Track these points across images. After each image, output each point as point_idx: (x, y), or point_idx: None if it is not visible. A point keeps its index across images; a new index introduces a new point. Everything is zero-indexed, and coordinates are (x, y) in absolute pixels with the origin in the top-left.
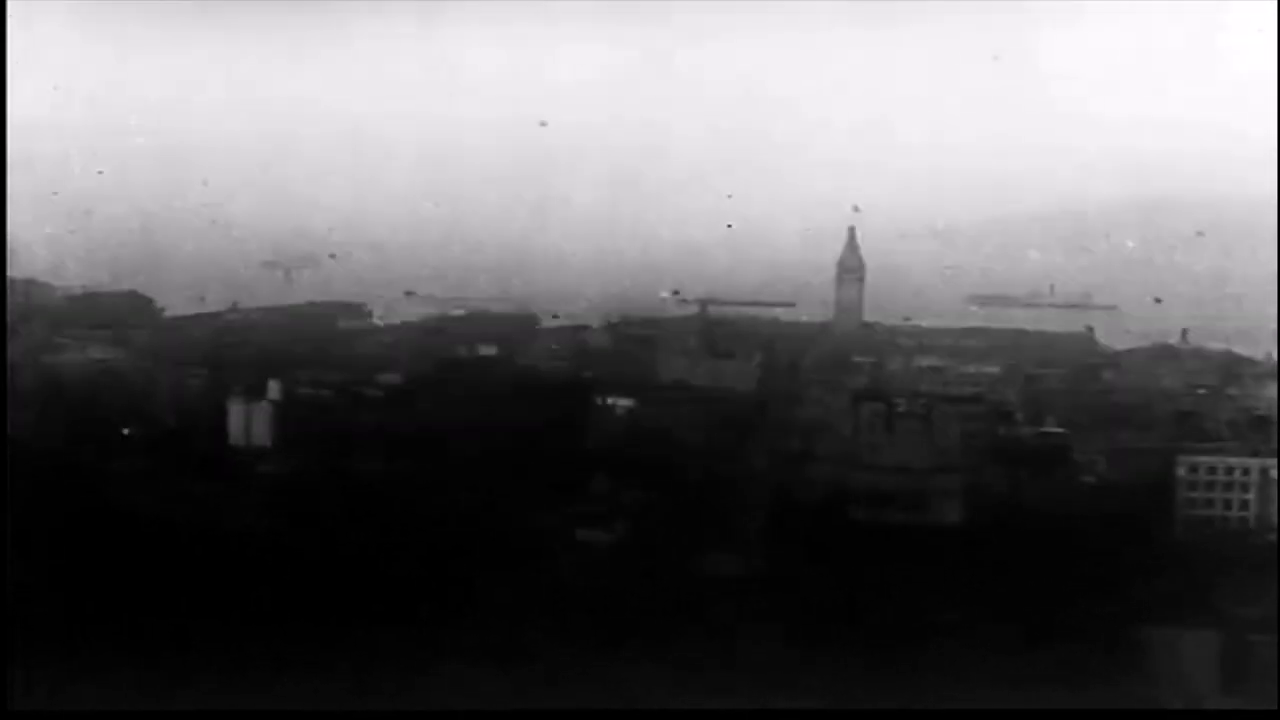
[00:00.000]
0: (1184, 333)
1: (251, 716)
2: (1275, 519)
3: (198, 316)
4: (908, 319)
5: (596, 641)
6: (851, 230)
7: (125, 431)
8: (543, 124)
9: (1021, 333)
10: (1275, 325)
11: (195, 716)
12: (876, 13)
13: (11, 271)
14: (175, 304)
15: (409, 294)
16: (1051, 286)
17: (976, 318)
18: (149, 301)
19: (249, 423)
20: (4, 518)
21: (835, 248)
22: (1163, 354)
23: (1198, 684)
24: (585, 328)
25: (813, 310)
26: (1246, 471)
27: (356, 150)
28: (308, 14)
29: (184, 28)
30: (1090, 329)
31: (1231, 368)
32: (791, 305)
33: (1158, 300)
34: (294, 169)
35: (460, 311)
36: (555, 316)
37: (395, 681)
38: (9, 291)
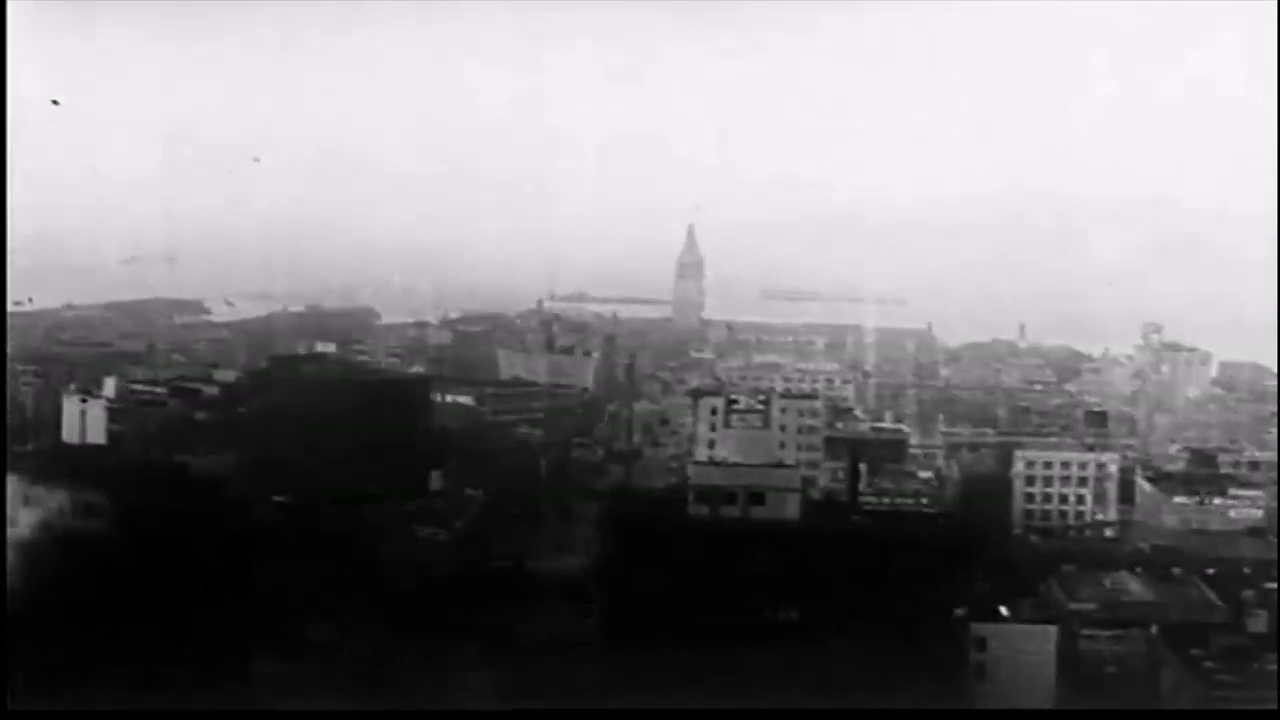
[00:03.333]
0: (1022, 329)
1: (251, 716)
2: (1111, 514)
3: (37, 313)
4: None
5: (429, 638)
6: (690, 229)
7: None
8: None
9: (860, 329)
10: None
11: (195, 716)
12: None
13: None
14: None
15: (250, 291)
16: (853, 286)
17: (817, 314)
18: None
19: (84, 419)
20: (3, 518)
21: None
22: (1001, 350)
23: (1030, 677)
24: (425, 324)
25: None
26: (1083, 466)
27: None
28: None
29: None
30: (929, 326)
31: (1068, 363)
32: (665, 302)
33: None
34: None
35: (299, 308)
36: (376, 313)
37: (208, 677)
38: None
